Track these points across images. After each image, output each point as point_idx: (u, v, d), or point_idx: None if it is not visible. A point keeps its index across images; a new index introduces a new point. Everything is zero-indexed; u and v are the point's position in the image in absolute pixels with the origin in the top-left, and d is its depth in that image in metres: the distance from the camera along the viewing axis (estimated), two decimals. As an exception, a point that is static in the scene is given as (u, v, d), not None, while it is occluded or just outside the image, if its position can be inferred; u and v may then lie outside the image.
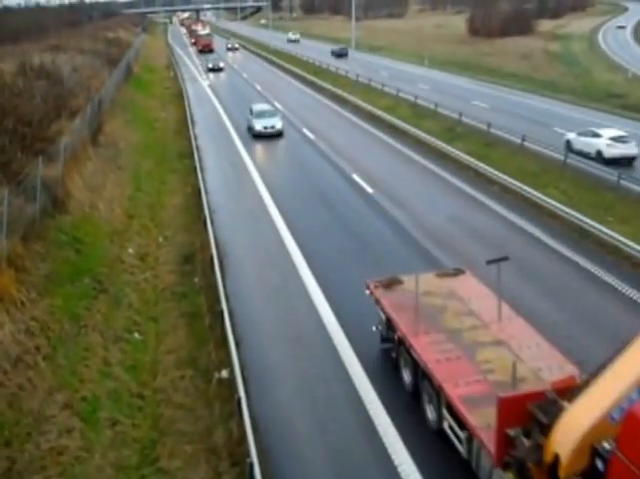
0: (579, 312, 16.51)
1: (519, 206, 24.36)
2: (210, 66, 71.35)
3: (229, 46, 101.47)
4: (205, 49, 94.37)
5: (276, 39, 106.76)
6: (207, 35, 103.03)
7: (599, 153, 28.91)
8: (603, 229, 20.65)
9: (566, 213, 22.39)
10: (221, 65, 71.76)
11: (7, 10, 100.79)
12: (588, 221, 21.33)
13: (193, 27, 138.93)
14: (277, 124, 37.22)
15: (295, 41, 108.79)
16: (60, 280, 16.38)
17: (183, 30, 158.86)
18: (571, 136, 31.08)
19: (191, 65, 77.56)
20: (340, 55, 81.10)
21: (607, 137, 29.29)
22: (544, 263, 19.51)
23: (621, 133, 30.08)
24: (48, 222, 18.76)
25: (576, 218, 21.80)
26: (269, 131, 36.90)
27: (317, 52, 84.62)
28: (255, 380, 13.86)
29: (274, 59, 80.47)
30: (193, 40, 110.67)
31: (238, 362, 13.47)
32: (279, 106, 46.69)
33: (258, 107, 39.49)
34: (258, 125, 36.91)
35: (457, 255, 19.87)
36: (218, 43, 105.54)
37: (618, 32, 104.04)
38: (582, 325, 15.89)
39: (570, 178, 27.06)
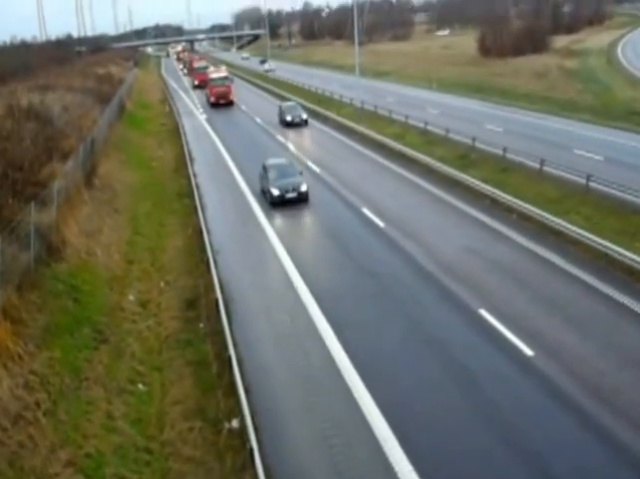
0: (608, 345, 16.69)
1: (540, 234, 24.65)
2: (277, 194, 30.53)
3: (289, 119, 53.85)
4: (221, 100, 70.11)
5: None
6: (223, 80, 73.52)
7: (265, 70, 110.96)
8: (631, 255, 20.80)
9: (590, 239, 22.58)
10: (304, 189, 31.26)
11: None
12: (614, 247, 21.47)
13: (195, 64, 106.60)
14: None
15: (247, 58, 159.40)
16: (58, 331, 16.76)
17: (180, 66, 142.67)
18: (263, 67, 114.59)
19: (189, 101, 78.68)
20: (263, 62, 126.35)
21: (267, 65, 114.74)
22: (569, 293, 19.77)
23: (270, 63, 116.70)
24: (43, 270, 19.23)
25: (601, 244, 21.99)
26: None
27: (319, 79, 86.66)
28: (268, 428, 14.10)
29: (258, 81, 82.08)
30: (197, 82, 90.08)
31: (249, 410, 13.75)
32: (286, 144, 47.41)
33: None
34: None
35: (476, 290, 20.19)
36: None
37: (636, 44, 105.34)
38: (612, 359, 16.06)
39: (593, 202, 27.38)
